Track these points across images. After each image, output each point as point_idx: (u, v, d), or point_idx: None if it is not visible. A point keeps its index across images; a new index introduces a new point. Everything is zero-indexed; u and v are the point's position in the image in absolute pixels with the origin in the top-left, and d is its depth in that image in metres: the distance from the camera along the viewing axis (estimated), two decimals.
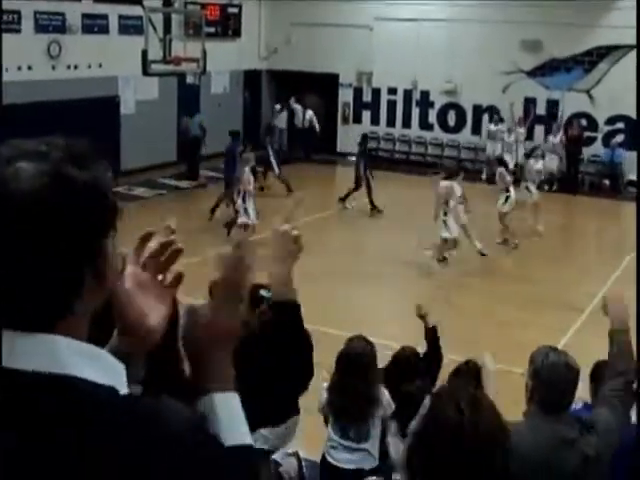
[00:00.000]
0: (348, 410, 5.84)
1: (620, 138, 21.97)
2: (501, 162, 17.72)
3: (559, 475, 3.60)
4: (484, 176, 22.37)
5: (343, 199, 18.47)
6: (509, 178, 16.62)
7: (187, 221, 17.17)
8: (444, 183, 14.63)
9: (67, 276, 1.25)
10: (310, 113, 24.48)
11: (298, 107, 24.67)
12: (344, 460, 5.92)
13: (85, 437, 1.19)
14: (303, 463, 6.14)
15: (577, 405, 5.02)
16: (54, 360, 1.23)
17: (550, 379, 3.70)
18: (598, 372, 4.99)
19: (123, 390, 1.29)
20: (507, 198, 16.34)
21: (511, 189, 16.40)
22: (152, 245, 1.52)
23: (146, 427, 1.24)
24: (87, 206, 1.24)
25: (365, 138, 19.44)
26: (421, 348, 6.58)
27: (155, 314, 1.46)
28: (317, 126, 24.41)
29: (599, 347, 8.86)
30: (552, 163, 21.67)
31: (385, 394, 5.85)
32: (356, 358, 5.80)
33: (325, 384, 5.96)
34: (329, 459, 6.02)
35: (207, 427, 1.39)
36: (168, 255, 1.52)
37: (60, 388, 1.21)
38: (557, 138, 21.86)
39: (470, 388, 2.37)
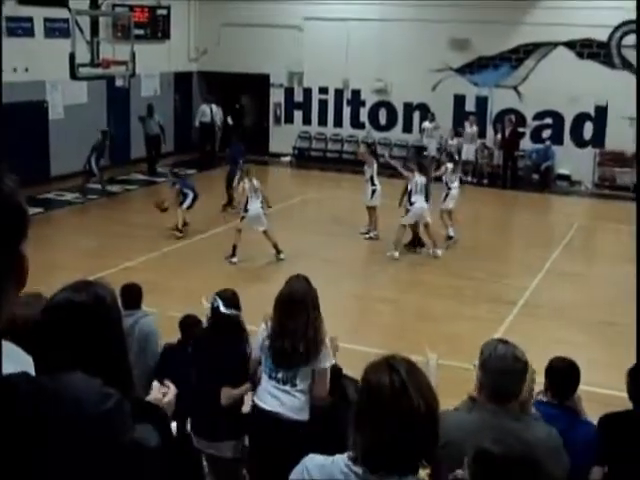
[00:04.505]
0: (283, 353, 5.55)
1: (548, 133, 22.40)
2: (370, 148, 17.82)
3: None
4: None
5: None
6: (376, 166, 16.48)
7: (117, 227, 16.99)
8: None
9: None
10: (215, 110, 24.29)
11: (205, 106, 24.47)
12: (267, 401, 5.66)
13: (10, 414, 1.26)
14: None
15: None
16: None
17: (497, 369, 3.79)
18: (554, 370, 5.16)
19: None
20: (374, 192, 16.26)
21: (376, 182, 16.32)
22: None
23: (55, 396, 1.32)
24: (10, 214, 1.30)
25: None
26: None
27: None
28: (219, 123, 24.17)
29: (532, 339, 9.00)
30: (468, 153, 22.14)
31: (328, 349, 5.58)
32: (293, 299, 5.53)
33: (263, 329, 5.72)
34: (256, 401, 5.76)
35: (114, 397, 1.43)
36: None
37: None
38: (473, 128, 22.27)
39: (405, 358, 2.50)
